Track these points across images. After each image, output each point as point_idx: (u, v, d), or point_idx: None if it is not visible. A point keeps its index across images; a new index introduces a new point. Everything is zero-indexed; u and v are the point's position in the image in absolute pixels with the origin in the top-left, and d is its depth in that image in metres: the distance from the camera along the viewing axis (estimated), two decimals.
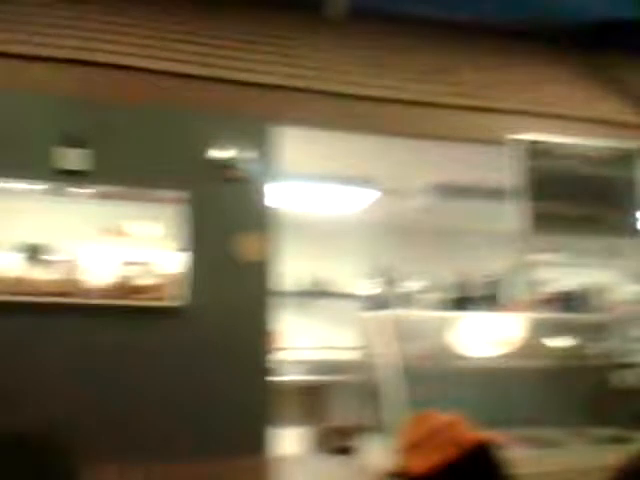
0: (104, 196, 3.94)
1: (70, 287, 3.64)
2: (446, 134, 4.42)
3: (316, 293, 6.38)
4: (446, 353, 4.01)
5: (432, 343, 3.99)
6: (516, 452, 1.71)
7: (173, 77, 3.99)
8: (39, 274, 3.67)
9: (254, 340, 3.83)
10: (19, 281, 3.60)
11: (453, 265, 4.99)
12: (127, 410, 3.56)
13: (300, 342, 5.99)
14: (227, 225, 3.92)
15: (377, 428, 3.69)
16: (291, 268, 6.19)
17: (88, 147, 3.76)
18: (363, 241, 6.25)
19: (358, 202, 5.77)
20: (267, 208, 4.01)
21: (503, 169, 4.35)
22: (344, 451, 4.64)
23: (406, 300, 4.35)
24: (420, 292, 4.36)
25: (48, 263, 3.75)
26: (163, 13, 4.38)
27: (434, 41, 4.73)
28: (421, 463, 1.42)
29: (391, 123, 4.35)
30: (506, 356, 4.16)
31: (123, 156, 3.86)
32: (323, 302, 6.37)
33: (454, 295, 4.47)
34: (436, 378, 3.70)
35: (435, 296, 4.38)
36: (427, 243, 6.32)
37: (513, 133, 4.40)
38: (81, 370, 3.56)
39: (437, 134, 4.41)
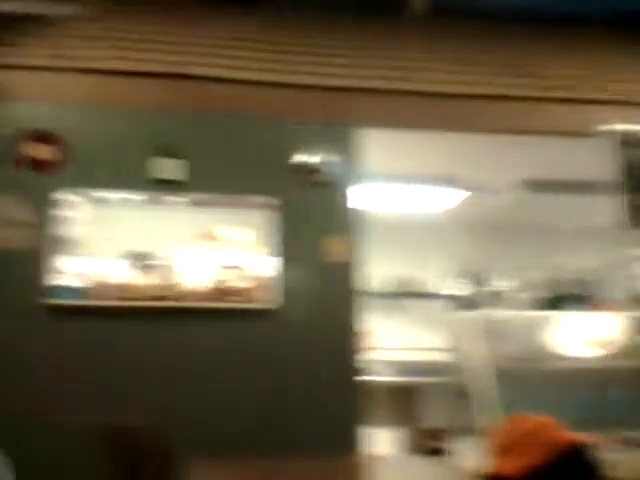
0: (198, 203, 4.09)
1: (168, 291, 3.81)
2: (534, 128, 4.33)
3: (404, 294, 6.35)
4: (538, 354, 3.93)
5: (524, 343, 3.92)
6: (612, 454, 1.67)
7: (259, 86, 4.09)
8: (140, 279, 3.86)
9: (344, 341, 3.88)
10: (122, 286, 3.79)
11: (545, 263, 4.89)
12: (221, 409, 3.68)
13: (390, 343, 5.98)
14: (315, 228, 3.98)
15: (469, 430, 3.66)
16: (379, 269, 6.23)
17: (182, 157, 3.92)
18: (451, 240, 6.17)
19: (445, 201, 5.72)
20: (353, 210, 4.05)
21: (595, 161, 4.22)
22: (436, 452, 4.61)
23: (496, 300, 4.29)
24: (510, 291, 4.28)
25: (148, 269, 3.94)
26: (247, 25, 4.50)
27: (517, 35, 4.63)
28: (512, 465, 1.42)
29: (477, 119, 4.30)
30: (601, 356, 4.03)
31: (214, 164, 4.00)
32: (412, 303, 6.33)
33: (546, 294, 4.37)
34: (528, 379, 3.63)
35: (526, 295, 4.30)
36: (517, 241, 6.18)
37: (603, 124, 4.26)
38: (177, 370, 3.71)
39: (524, 128, 4.33)
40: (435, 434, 4.77)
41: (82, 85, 3.98)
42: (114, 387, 3.63)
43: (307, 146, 4.03)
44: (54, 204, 3.82)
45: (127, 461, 1.96)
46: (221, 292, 3.84)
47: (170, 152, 3.91)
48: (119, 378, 3.66)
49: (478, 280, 4.37)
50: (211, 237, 4.75)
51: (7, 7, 4.50)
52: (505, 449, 1.47)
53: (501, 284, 4.36)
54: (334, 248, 3.96)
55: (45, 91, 3.95)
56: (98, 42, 4.14)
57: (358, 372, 3.87)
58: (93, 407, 3.50)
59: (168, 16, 4.43)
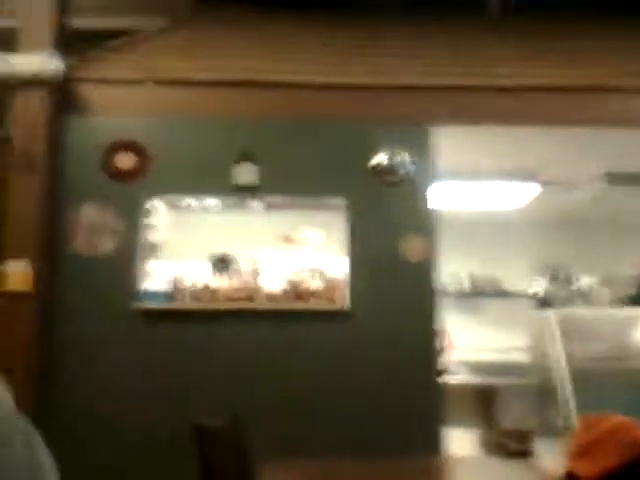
0: (275, 207, 4.16)
1: (248, 293, 3.89)
2: (615, 118, 4.18)
3: (482, 293, 6.25)
4: (624, 353, 3.80)
5: (606, 342, 3.79)
6: None
7: (334, 89, 4.12)
8: (221, 283, 3.96)
9: (423, 341, 3.86)
10: (204, 290, 3.91)
11: (631, 259, 4.71)
12: (299, 409, 3.74)
13: (468, 343, 5.90)
14: (391, 228, 3.98)
15: (551, 431, 3.57)
16: (456, 268, 6.16)
17: (259, 162, 3.99)
18: (530, 237, 6.03)
19: (523, 197, 5.59)
20: (429, 209, 4.02)
21: None
22: (520, 454, 4.52)
23: (578, 297, 4.17)
24: (593, 288, 4.15)
25: (229, 272, 4.04)
26: (321, 29, 4.55)
27: (595, 24, 4.50)
28: (590, 467, 1.39)
29: (556, 112, 4.19)
30: None
31: (291, 168, 4.05)
32: (489, 302, 6.21)
33: (633, 290, 4.23)
34: (610, 379, 3.52)
35: (610, 292, 4.16)
36: (600, 236, 5.96)
37: None
38: (257, 371, 3.80)
39: (605, 119, 4.19)
40: (517, 435, 4.69)
41: (163, 96, 4.12)
42: (195, 388, 3.75)
43: (382, 146, 4.03)
44: (139, 211, 3.97)
45: (210, 462, 2.02)
46: (297, 293, 3.89)
47: (248, 158, 3.99)
48: (200, 378, 3.78)
49: (558, 277, 4.25)
50: (289, 239, 4.83)
51: (92, 23, 4.73)
52: (583, 450, 1.44)
53: (583, 281, 4.23)
54: (411, 247, 3.95)
55: (129, 103, 4.11)
56: (178, 54, 4.28)
57: (438, 373, 3.85)
58: (176, 408, 3.63)
59: (244, 26, 4.54)
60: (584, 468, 1.41)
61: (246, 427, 2.49)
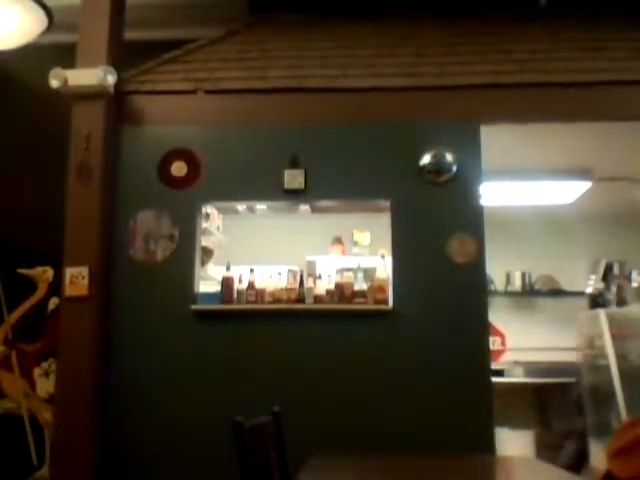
0: (324, 210, 4.22)
1: (295, 294, 3.95)
2: None
3: (537, 292, 6.14)
4: None
5: None
6: None
7: (380, 92, 4.14)
8: (271, 284, 4.05)
9: (473, 341, 3.84)
10: (254, 291, 3.99)
11: None
12: (345, 406, 3.77)
13: (522, 343, 5.81)
14: (438, 228, 3.97)
15: (607, 431, 3.51)
16: (507, 267, 6.09)
17: (307, 167, 4.05)
18: (583, 234, 5.91)
19: (576, 194, 5.48)
20: (478, 208, 4.00)
21: None
22: (574, 455, 4.46)
23: (632, 296, 4.08)
24: None
25: (281, 274, 4.11)
26: (366, 34, 4.60)
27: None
28: (626, 468, 1.39)
29: (606, 106, 4.11)
30: None
31: (338, 172, 4.08)
32: (545, 301, 6.11)
33: None
34: None
35: None
36: None
37: None
38: (305, 369, 3.86)
39: None
40: (572, 435, 4.62)
41: (215, 105, 4.23)
42: (245, 384, 3.84)
43: (430, 146, 4.03)
44: (194, 217, 4.09)
45: (249, 457, 2.08)
46: (345, 294, 3.93)
47: (296, 163, 4.05)
48: (250, 376, 3.86)
49: (613, 276, 4.16)
50: (338, 242, 4.90)
51: (145, 35, 4.89)
52: (619, 451, 1.43)
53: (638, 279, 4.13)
54: (459, 247, 3.94)
55: (182, 112, 4.23)
56: (228, 63, 4.39)
57: (488, 372, 3.83)
58: (225, 403, 3.72)
59: (292, 34, 4.62)
60: (621, 468, 1.40)
61: (290, 423, 2.55)
